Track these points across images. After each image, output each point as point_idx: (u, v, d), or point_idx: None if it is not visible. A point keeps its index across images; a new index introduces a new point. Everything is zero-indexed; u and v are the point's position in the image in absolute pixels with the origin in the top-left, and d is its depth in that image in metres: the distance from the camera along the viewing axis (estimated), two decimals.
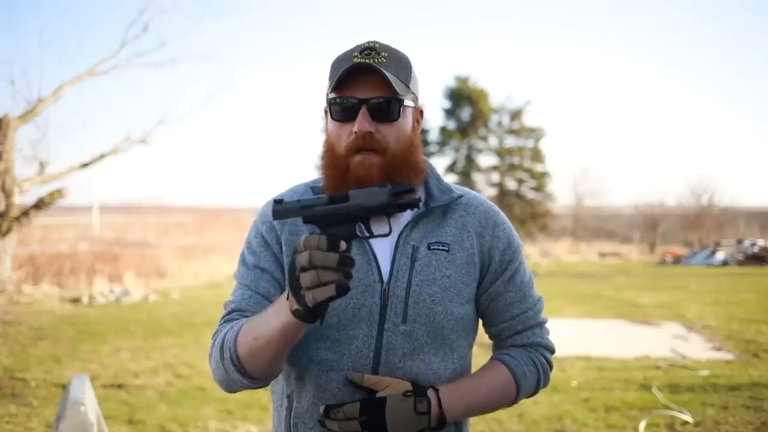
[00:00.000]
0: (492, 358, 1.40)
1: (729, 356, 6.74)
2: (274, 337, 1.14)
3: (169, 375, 6.06)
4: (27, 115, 11.58)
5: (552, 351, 1.42)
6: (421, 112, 1.37)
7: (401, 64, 1.29)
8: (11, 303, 10.55)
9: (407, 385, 1.24)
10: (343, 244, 1.03)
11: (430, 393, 1.25)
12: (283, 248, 1.32)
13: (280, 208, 1.14)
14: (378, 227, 1.23)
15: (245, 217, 24.57)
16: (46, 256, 14.31)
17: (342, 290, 1.02)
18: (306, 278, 1.02)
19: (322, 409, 1.24)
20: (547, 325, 1.42)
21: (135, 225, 25.02)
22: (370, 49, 1.27)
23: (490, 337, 1.44)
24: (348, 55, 1.28)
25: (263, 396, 5.13)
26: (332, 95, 1.27)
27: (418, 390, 1.24)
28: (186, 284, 14.08)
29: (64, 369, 6.26)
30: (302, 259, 1.02)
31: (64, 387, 4.82)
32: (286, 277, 1.07)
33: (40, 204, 11.34)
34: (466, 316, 1.33)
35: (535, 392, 1.40)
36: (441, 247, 1.31)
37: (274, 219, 1.15)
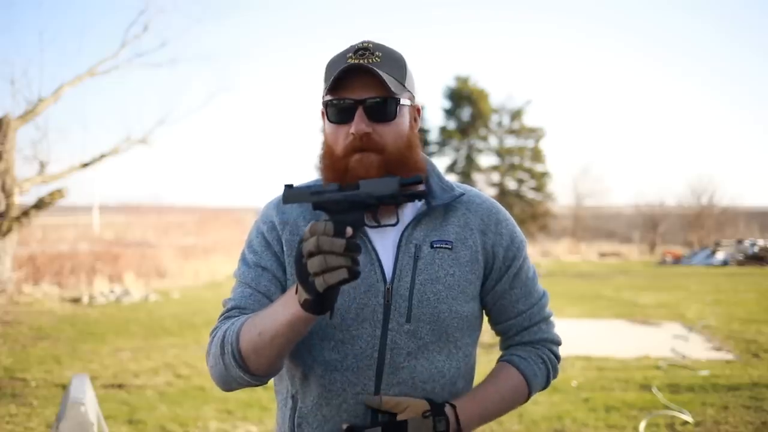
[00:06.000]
0: (501, 359, 1.42)
1: (729, 356, 6.74)
2: (280, 331, 1.14)
3: (169, 375, 6.06)
4: (27, 115, 11.56)
5: (558, 344, 1.44)
6: (419, 110, 1.36)
7: (396, 63, 1.28)
8: (11, 303, 10.55)
9: (425, 405, 1.25)
10: (349, 230, 1.03)
11: (448, 410, 1.26)
12: (284, 248, 1.32)
13: (290, 193, 1.15)
14: (385, 219, 1.24)
15: (245, 217, 24.53)
16: (46, 256, 14.28)
17: (353, 275, 1.02)
18: (314, 263, 1.02)
19: (345, 427, 1.24)
20: (552, 318, 1.44)
21: (135, 225, 24.95)
22: (364, 50, 1.26)
23: (497, 334, 1.45)
24: (342, 56, 1.28)
25: (263, 396, 5.14)
26: (328, 97, 1.27)
27: (436, 409, 1.25)
28: (186, 284, 14.09)
29: (64, 369, 6.26)
30: (309, 245, 1.02)
31: (64, 387, 4.81)
32: (294, 267, 1.08)
33: (40, 204, 11.32)
34: (471, 314, 1.33)
35: (545, 387, 1.43)
36: (444, 245, 1.30)
37: (284, 203, 1.18)
